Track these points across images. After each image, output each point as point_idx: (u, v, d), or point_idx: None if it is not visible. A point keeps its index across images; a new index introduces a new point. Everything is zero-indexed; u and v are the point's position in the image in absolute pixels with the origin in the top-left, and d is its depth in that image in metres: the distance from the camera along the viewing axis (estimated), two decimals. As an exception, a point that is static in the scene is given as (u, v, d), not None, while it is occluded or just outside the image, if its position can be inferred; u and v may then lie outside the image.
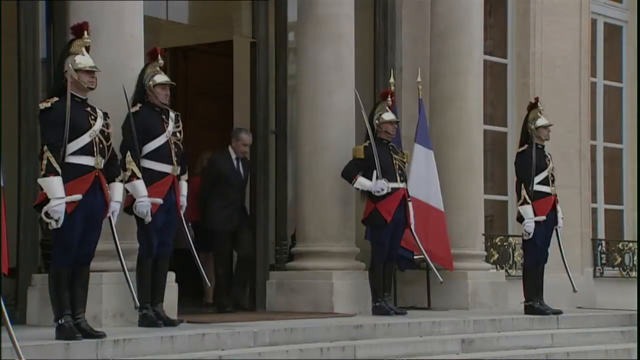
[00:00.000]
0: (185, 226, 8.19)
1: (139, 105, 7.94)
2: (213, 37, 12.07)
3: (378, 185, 9.43)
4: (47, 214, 6.75)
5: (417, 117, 10.53)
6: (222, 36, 11.88)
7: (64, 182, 6.83)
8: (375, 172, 9.44)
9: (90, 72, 7.04)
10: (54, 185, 6.79)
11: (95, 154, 6.95)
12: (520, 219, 9.95)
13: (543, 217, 9.87)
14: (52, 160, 6.80)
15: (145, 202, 7.68)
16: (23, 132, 8.30)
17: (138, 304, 7.50)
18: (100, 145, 7.01)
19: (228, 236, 9.87)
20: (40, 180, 6.86)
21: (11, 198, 6.88)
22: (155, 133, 7.89)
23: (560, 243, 10.12)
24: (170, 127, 7.98)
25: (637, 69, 13.43)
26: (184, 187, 8.13)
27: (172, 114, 8.07)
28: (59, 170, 6.81)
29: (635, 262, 13.34)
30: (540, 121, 10.06)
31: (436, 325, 8.90)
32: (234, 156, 10.03)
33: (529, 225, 9.82)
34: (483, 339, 8.92)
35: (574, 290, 10.16)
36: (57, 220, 6.76)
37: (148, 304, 7.76)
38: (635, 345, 9.56)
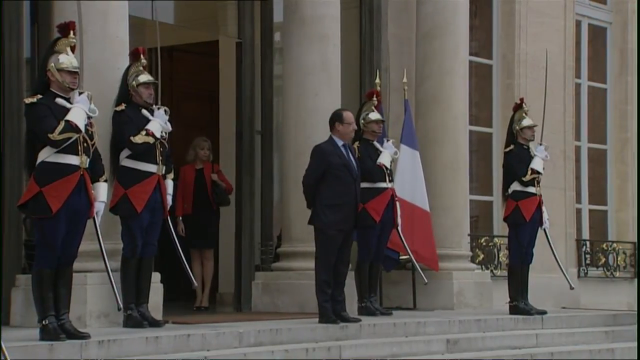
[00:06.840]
0: (170, 225, 8.17)
1: (123, 105, 7.92)
2: (199, 37, 12.04)
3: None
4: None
5: (403, 117, 10.55)
6: (208, 36, 11.85)
7: (49, 182, 6.78)
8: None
9: (73, 73, 6.97)
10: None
11: (79, 152, 6.90)
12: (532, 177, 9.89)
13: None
14: (60, 127, 6.72)
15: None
16: (7, 132, 8.26)
17: (121, 305, 7.47)
18: (85, 144, 6.94)
19: None
20: (71, 120, 6.75)
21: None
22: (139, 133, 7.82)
23: (551, 243, 10.14)
24: (156, 126, 7.94)
25: (638, 69, 13.45)
26: (169, 185, 8.10)
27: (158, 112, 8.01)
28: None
29: (620, 263, 13.39)
30: (525, 122, 10.11)
31: (421, 326, 8.91)
32: None
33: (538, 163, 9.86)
34: (468, 339, 8.94)
35: (571, 287, 10.19)
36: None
37: (133, 305, 7.74)
38: (620, 345, 9.60)
